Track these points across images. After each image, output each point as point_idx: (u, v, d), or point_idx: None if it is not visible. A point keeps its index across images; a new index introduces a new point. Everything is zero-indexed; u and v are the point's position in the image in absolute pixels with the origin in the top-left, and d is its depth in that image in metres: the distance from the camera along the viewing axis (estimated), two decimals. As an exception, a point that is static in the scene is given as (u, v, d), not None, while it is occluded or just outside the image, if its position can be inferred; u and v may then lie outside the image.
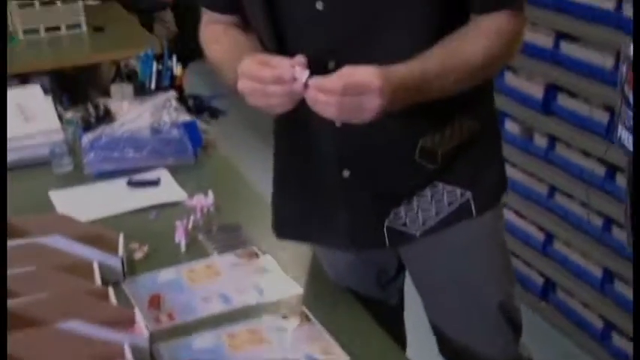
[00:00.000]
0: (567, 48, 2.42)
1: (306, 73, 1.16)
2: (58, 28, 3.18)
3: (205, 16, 1.44)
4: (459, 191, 1.37)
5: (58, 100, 2.95)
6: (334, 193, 1.39)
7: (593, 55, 2.31)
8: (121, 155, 1.89)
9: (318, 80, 1.15)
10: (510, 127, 2.69)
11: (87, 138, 1.88)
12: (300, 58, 1.17)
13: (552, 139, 2.52)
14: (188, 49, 2.86)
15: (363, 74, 1.14)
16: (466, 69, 1.25)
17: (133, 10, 3.68)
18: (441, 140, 1.34)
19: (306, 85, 1.15)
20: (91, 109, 2.00)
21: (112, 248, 1.48)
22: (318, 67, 1.18)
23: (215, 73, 1.39)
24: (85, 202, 1.78)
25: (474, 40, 1.25)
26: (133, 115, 1.93)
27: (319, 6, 1.24)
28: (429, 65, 1.21)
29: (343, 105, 1.14)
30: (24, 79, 2.96)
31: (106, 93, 2.27)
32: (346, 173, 1.36)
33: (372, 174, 1.36)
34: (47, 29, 3.17)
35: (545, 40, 2.48)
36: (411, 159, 1.34)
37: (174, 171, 1.93)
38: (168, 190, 1.84)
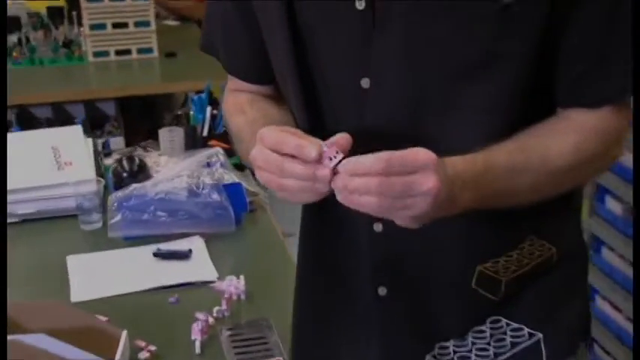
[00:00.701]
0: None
1: (339, 156, 0.87)
2: (128, 52, 3.02)
3: (232, 82, 1.19)
4: (526, 331, 1.09)
5: (119, 129, 2.85)
6: (367, 314, 1.11)
7: None
8: (151, 218, 1.67)
9: (351, 161, 0.86)
10: (612, 205, 2.35)
11: (115, 197, 1.67)
12: (338, 138, 0.89)
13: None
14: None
15: (412, 149, 0.86)
16: (548, 170, 0.97)
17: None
18: (506, 266, 1.06)
19: (335, 173, 0.87)
20: (125, 163, 1.79)
21: (111, 349, 1.25)
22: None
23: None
24: (102, 274, 1.58)
25: (562, 136, 0.98)
26: (170, 172, 1.71)
27: (365, 83, 0.99)
28: (498, 159, 0.94)
29: (386, 190, 0.84)
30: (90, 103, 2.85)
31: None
32: (382, 291, 1.08)
33: (415, 295, 1.09)
34: (118, 52, 3.01)
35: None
36: (467, 285, 1.06)
37: (211, 239, 1.71)
38: (199, 265, 1.61)
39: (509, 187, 0.96)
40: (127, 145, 2.65)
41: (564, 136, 0.98)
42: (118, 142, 2.82)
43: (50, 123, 2.77)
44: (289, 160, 0.88)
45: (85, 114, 2.91)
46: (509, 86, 0.95)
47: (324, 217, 1.10)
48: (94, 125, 2.89)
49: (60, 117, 2.84)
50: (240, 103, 1.14)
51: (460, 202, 0.91)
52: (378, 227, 1.03)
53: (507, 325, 1.09)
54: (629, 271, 2.34)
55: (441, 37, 0.93)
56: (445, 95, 0.96)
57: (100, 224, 1.76)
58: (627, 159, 2.28)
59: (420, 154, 0.85)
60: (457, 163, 0.91)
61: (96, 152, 1.96)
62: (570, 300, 1.13)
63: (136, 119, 2.86)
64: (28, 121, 2.72)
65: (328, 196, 0.90)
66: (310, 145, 0.86)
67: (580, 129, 0.98)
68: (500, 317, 1.09)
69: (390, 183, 0.84)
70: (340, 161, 0.86)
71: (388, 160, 0.84)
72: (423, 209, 0.86)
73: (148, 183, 1.70)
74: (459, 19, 0.91)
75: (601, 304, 2.42)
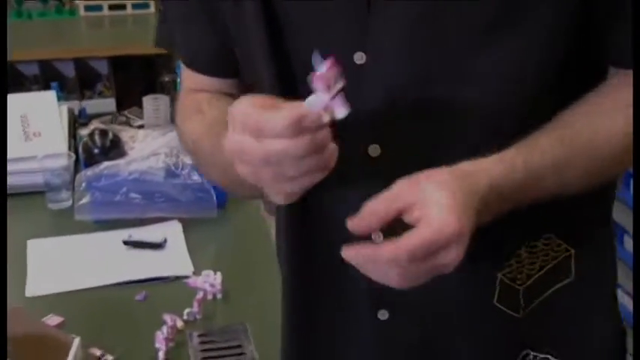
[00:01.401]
0: None
1: (339, 84, 0.69)
2: (123, 7, 2.83)
3: (188, 79, 1.00)
4: None
5: (111, 90, 2.68)
6: (366, 342, 0.95)
7: None
8: (124, 200, 1.50)
9: (367, 250, 0.72)
10: (630, 246, 2.19)
11: (84, 175, 1.50)
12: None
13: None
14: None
15: (436, 222, 0.71)
16: (596, 158, 0.83)
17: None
18: (519, 269, 0.90)
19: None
20: (97, 137, 1.61)
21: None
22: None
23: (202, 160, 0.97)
24: (65, 263, 1.42)
25: (610, 117, 0.83)
26: (147, 149, 1.54)
27: (373, 151, 0.83)
28: (539, 159, 0.79)
29: (409, 274, 0.73)
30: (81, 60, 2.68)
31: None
32: (383, 315, 0.91)
33: (422, 321, 0.92)
34: (111, 7, 2.82)
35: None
36: (486, 302, 0.89)
37: (190, 225, 1.54)
38: (173, 257, 1.45)
39: (552, 186, 0.82)
40: (119, 107, 2.49)
41: (612, 117, 0.82)
42: (108, 104, 2.66)
43: (37, 81, 2.62)
44: (274, 140, 0.68)
45: (75, 72, 2.74)
46: (538, 48, 0.80)
47: (313, 234, 0.93)
48: (84, 84, 2.73)
49: (48, 75, 2.67)
50: (198, 103, 0.95)
51: (495, 213, 0.78)
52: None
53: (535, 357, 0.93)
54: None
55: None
56: (459, 64, 0.80)
57: (69, 203, 1.59)
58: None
59: (444, 229, 0.70)
60: (493, 172, 0.77)
61: (71, 121, 1.78)
62: (599, 320, 0.97)
63: (131, 79, 2.68)
64: (14, 78, 2.55)
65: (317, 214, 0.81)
66: (303, 109, 0.68)
67: (629, 103, 0.82)
68: (528, 351, 0.93)
69: (413, 269, 0.72)
70: (341, 90, 0.68)
71: (411, 252, 0.70)
72: (448, 271, 0.74)
73: (121, 161, 1.53)
74: None
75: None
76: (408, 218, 0.72)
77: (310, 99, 0.68)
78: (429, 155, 0.79)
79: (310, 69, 0.80)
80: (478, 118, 0.82)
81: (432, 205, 0.71)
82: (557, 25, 0.79)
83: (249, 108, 0.69)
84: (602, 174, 0.86)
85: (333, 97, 0.68)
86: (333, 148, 0.70)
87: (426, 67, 0.80)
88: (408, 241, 0.69)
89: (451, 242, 0.70)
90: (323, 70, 0.68)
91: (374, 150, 0.84)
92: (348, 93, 0.71)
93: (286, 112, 0.67)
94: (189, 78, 0.99)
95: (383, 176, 0.76)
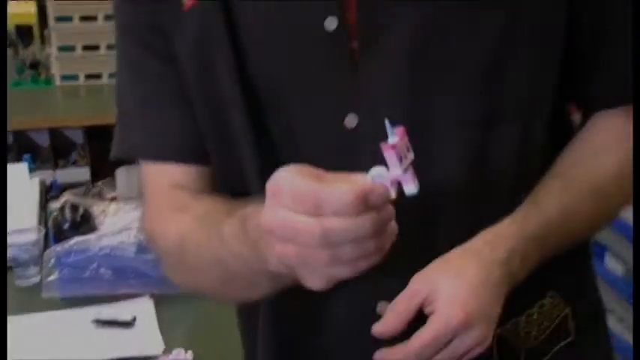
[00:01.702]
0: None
1: (410, 156, 0.63)
2: (99, 76, 2.82)
3: (153, 181, 0.91)
4: None
5: (86, 158, 2.66)
6: None
7: None
8: (94, 277, 1.47)
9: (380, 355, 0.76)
10: (612, 265, 2.18)
11: (53, 251, 1.47)
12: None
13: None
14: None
15: (443, 316, 0.73)
16: (600, 200, 0.85)
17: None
18: (527, 330, 0.88)
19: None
20: (67, 211, 1.58)
21: None
22: None
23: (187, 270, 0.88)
24: (28, 343, 1.38)
25: (604, 156, 0.86)
26: (118, 224, 1.51)
27: (350, 122, 0.79)
28: (551, 211, 0.81)
29: None
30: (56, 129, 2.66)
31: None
32: None
33: None
34: (88, 76, 2.82)
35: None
36: None
37: (162, 301, 1.51)
38: (144, 335, 1.41)
39: (564, 234, 0.84)
40: (94, 177, 2.46)
41: (606, 155, 0.86)
42: (83, 174, 2.64)
43: (10, 151, 2.60)
44: (336, 218, 0.60)
45: (50, 141, 2.73)
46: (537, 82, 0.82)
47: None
48: (59, 154, 2.71)
49: (22, 144, 2.66)
50: (177, 200, 0.87)
51: (522, 275, 0.80)
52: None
53: None
54: (628, 337, 2.15)
55: (451, 36, 0.77)
56: (453, 105, 0.79)
57: (37, 279, 1.55)
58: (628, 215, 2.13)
59: (450, 322, 0.73)
60: (509, 236, 0.78)
61: (42, 194, 1.76)
62: None
63: (107, 149, 2.66)
64: (-14, 148, 2.53)
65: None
66: (367, 183, 0.61)
67: (618, 139, 0.86)
68: None
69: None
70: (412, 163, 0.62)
71: (418, 349, 0.73)
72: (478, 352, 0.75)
73: (92, 236, 1.50)
74: (471, 7, 0.77)
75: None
76: (426, 312, 0.74)
77: (376, 171, 0.62)
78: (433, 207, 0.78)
79: (292, 138, 0.79)
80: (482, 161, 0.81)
81: (440, 298, 0.73)
82: (545, 66, 0.82)
83: (300, 179, 0.61)
84: (606, 214, 0.89)
85: (405, 171, 0.61)
86: (393, 227, 0.64)
87: (424, 118, 0.78)
88: (415, 340, 0.72)
89: (459, 332, 0.72)
90: (395, 139, 0.61)
91: None
92: (341, 162, 0.69)
93: (351, 185, 0.60)
94: (156, 176, 0.91)
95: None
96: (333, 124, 0.80)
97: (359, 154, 0.77)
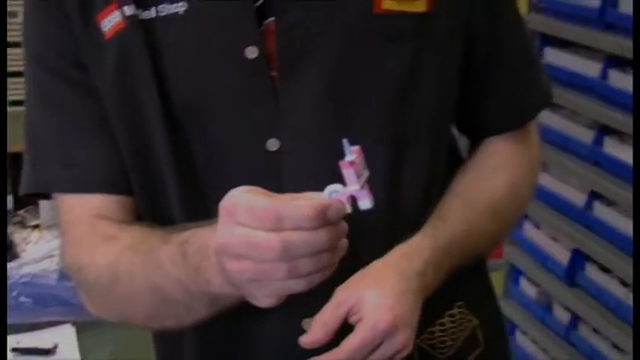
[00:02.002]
0: (599, 210, 2.06)
1: (366, 173, 0.65)
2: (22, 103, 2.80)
3: (73, 213, 0.90)
4: None
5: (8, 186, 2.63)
6: None
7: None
8: (14, 305, 1.47)
9: None
10: (526, 288, 2.27)
11: (-28, 280, 1.46)
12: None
13: (575, 318, 2.10)
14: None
15: (370, 321, 0.78)
16: (497, 215, 0.93)
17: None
18: (442, 339, 0.94)
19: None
20: (-12, 240, 1.58)
21: None
22: None
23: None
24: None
25: (497, 175, 0.95)
26: (40, 252, 1.52)
27: (272, 145, 0.84)
28: (454, 225, 0.88)
29: None
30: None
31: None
32: None
33: None
34: (12, 103, 2.79)
35: (576, 196, 2.11)
36: None
37: (84, 328, 1.51)
38: (64, 363, 1.41)
39: (468, 248, 0.91)
40: (17, 205, 2.44)
41: (498, 177, 0.94)
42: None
43: None
44: (294, 232, 0.63)
45: (-30, 167, 2.68)
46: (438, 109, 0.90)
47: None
48: (-21, 180, 2.67)
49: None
50: (102, 231, 0.87)
51: (435, 285, 0.86)
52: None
53: None
54: (542, 357, 2.24)
55: (364, 64, 0.84)
56: (369, 127, 0.84)
57: (-44, 308, 1.54)
58: (538, 236, 2.23)
59: (378, 326, 0.77)
60: (423, 249, 0.84)
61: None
62: None
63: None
64: None
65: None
66: (323, 199, 0.64)
67: (507, 161, 0.96)
68: None
69: None
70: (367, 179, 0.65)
71: (351, 352, 0.77)
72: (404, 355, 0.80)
73: (12, 264, 1.50)
74: (381, 40, 0.84)
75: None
76: (351, 321, 0.78)
77: (332, 188, 0.64)
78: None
79: (215, 162, 0.83)
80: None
81: (366, 306, 0.77)
82: (448, 95, 0.91)
83: (257, 197, 0.64)
84: (504, 229, 0.99)
85: (362, 187, 0.64)
86: (345, 242, 0.66)
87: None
88: (345, 345, 0.76)
89: (388, 334, 0.77)
90: (353, 157, 0.64)
91: None
92: (264, 185, 0.70)
93: (309, 201, 0.63)
94: (76, 207, 0.90)
95: None
96: (255, 147, 0.84)
97: (281, 177, 0.82)
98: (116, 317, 0.94)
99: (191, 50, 0.84)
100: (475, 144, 0.98)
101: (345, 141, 0.64)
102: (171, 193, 0.87)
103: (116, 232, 0.86)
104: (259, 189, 0.65)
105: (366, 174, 0.65)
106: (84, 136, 0.89)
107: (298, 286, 0.65)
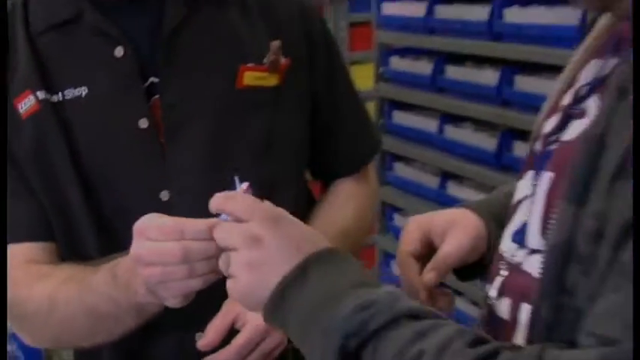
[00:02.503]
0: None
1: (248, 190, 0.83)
2: None
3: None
4: None
5: None
6: None
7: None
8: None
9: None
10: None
11: None
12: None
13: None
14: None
15: (253, 322, 0.99)
16: (346, 238, 1.13)
17: None
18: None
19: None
20: None
21: None
22: None
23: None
24: None
25: (344, 209, 1.18)
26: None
27: (165, 196, 1.06)
28: None
29: None
30: None
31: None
32: None
33: None
34: None
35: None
36: None
37: None
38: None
39: None
40: None
41: (346, 210, 1.18)
42: None
43: None
44: (192, 241, 0.83)
45: None
46: (292, 163, 1.15)
47: None
48: None
49: None
50: (36, 271, 1.07)
51: None
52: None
53: None
54: None
55: (232, 129, 1.07)
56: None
57: None
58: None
59: (259, 327, 0.98)
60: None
61: None
62: None
63: None
64: None
65: None
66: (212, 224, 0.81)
67: (352, 195, 1.20)
68: None
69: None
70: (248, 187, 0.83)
71: (240, 347, 0.99)
72: (278, 352, 1.02)
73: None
74: (244, 109, 1.08)
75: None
76: (237, 326, 1.00)
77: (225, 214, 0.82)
78: None
79: (122, 212, 1.03)
80: None
81: (249, 314, 0.98)
82: (299, 151, 1.15)
83: (162, 218, 0.85)
84: (354, 248, 1.16)
85: None
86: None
87: (221, 187, 0.90)
88: (234, 343, 0.98)
89: (265, 335, 0.99)
90: (239, 190, 0.82)
91: None
92: None
93: (205, 219, 0.81)
94: (12, 255, 1.07)
95: None
96: (151, 198, 1.07)
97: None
98: (51, 344, 1.15)
99: (95, 125, 1.05)
100: (326, 186, 1.25)
101: (236, 178, 0.83)
102: (88, 239, 1.09)
103: (49, 271, 1.07)
104: (166, 215, 0.87)
105: None
106: (12, 195, 1.06)
107: (197, 284, 0.85)
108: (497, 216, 0.92)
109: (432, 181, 2.52)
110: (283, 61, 1.10)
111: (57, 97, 1.06)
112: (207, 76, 1.08)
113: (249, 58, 1.09)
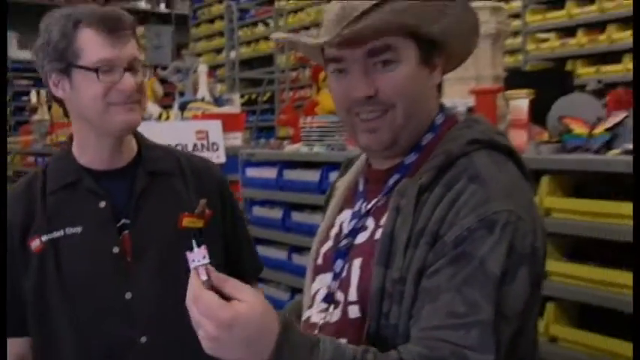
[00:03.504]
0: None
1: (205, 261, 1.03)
2: None
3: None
4: None
5: None
6: None
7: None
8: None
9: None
10: None
11: None
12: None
13: None
14: None
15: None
16: None
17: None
18: None
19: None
20: None
21: None
22: (127, 345, 1.44)
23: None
24: None
25: None
26: None
27: (128, 295, 1.45)
28: None
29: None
30: None
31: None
32: None
33: None
34: None
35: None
36: None
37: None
38: None
39: None
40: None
41: None
42: None
43: None
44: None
45: None
46: None
47: None
48: None
49: None
50: None
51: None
52: None
53: None
54: None
55: (176, 252, 1.23)
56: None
57: None
58: None
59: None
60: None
61: None
62: None
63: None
64: None
65: None
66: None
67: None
68: None
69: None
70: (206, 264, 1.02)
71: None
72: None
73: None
74: (184, 240, 1.18)
75: None
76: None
77: (194, 263, 1.02)
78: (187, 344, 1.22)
79: (97, 312, 1.40)
80: None
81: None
82: (222, 258, 1.56)
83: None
84: None
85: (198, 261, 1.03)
86: None
87: (172, 296, 1.22)
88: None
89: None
90: (196, 250, 1.03)
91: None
92: (123, 324, 1.43)
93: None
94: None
95: None
96: (119, 297, 1.44)
97: (135, 314, 1.44)
98: None
99: (84, 251, 1.47)
100: None
101: (193, 240, 1.04)
102: (66, 342, 1.46)
103: None
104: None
105: (205, 261, 1.02)
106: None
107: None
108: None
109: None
110: (207, 212, 1.29)
111: (58, 234, 1.49)
112: (160, 220, 1.49)
113: (186, 209, 1.27)
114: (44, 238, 1.49)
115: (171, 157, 1.62)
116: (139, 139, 1.60)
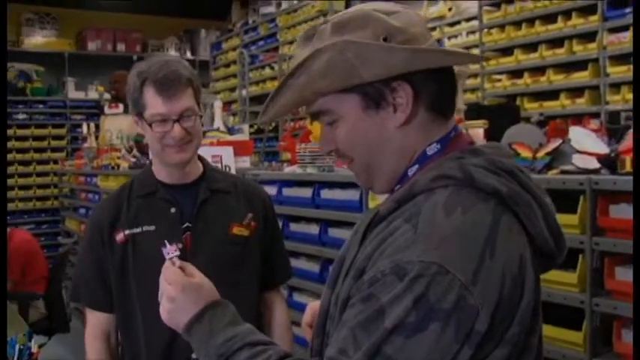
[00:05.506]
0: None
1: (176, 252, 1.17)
2: None
3: (90, 323, 1.68)
4: None
5: None
6: None
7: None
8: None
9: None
10: None
11: None
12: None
13: None
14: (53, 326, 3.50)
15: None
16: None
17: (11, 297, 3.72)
18: None
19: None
20: None
21: None
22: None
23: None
24: None
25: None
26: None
27: None
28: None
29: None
30: None
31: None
32: None
33: None
34: None
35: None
36: None
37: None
38: None
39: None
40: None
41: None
42: None
43: None
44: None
45: None
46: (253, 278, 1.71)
47: None
48: None
49: None
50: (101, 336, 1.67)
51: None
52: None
53: None
54: None
55: (225, 251, 1.62)
56: (229, 277, 1.53)
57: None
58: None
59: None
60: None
61: None
62: None
63: None
64: None
65: None
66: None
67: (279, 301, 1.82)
68: None
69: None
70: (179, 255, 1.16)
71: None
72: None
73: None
74: (232, 243, 1.65)
75: None
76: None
77: (168, 255, 1.16)
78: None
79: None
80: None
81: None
82: (258, 267, 1.73)
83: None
84: None
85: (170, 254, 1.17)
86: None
87: (219, 286, 1.16)
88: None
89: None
90: (167, 251, 1.16)
91: None
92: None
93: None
94: (92, 320, 1.68)
95: None
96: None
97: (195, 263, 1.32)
98: None
99: (155, 245, 1.28)
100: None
101: (166, 242, 1.16)
102: (137, 318, 1.61)
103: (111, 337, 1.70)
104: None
105: (176, 253, 1.17)
106: (96, 275, 1.69)
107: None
108: None
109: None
110: (252, 224, 1.65)
111: (138, 230, 1.64)
112: (216, 226, 1.64)
113: (236, 220, 1.65)
114: (127, 232, 1.64)
115: (229, 179, 1.75)
116: (204, 162, 1.74)
